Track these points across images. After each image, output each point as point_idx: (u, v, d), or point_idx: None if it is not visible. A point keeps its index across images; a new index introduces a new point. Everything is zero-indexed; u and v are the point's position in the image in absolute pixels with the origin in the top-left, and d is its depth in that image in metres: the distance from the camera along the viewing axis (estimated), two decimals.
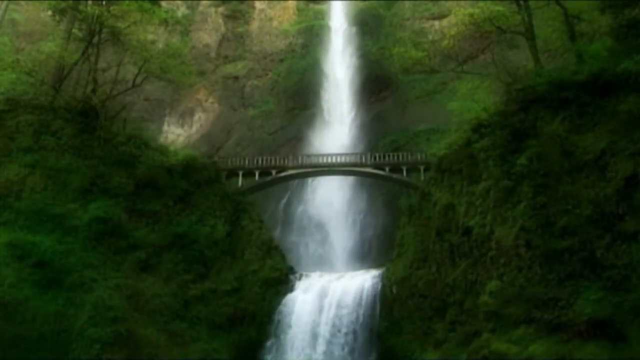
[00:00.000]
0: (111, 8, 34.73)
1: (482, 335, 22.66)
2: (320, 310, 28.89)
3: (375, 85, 54.23)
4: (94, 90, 34.87)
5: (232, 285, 30.67)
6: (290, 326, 28.78)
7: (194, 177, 34.02)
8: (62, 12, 38.90)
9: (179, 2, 63.09)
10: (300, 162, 39.59)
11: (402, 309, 28.16)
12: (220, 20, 63.61)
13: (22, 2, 49.11)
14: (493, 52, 31.49)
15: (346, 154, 40.37)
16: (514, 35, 31.47)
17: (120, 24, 34.70)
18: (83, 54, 35.54)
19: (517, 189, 24.27)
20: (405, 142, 46.53)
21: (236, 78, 59.84)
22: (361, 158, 39.37)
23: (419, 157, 37.29)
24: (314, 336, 28.05)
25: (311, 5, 64.15)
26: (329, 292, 29.83)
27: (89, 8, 34.86)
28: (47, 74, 34.11)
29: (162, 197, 32.27)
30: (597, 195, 21.96)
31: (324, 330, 28.10)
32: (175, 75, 37.57)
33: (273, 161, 39.32)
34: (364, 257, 42.47)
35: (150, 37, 38.78)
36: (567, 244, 21.74)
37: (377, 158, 38.80)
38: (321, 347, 27.69)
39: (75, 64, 34.77)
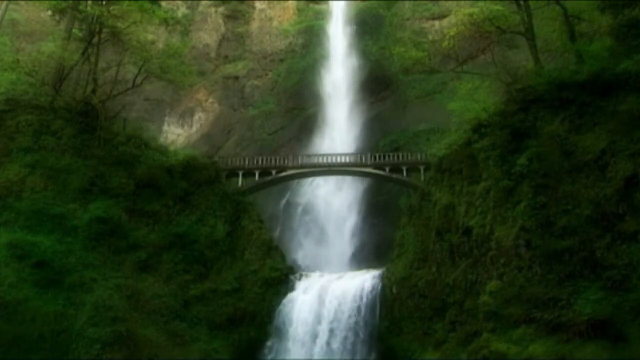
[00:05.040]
0: (111, 8, 34.73)
1: (482, 335, 22.68)
2: (320, 310, 28.88)
3: (375, 85, 54.22)
4: (94, 91, 34.87)
5: (232, 285, 30.66)
6: (290, 326, 28.79)
7: (194, 177, 34.01)
8: (62, 12, 38.93)
9: (179, 2, 63.13)
10: (300, 162, 39.56)
11: (402, 309, 28.17)
12: (220, 20, 63.61)
13: (22, 2, 49.08)
14: (493, 52, 31.47)
15: (346, 154, 40.36)
16: (514, 35, 31.48)
17: (120, 24, 34.68)
18: (83, 54, 35.52)
19: (517, 189, 24.28)
20: (405, 142, 46.51)
21: (236, 78, 59.85)
22: (361, 158, 39.34)
23: (419, 157, 37.26)
24: (314, 336, 28.05)
25: (311, 5, 64.13)
26: (328, 292, 29.82)
27: (89, 8, 34.87)
28: (47, 74, 34.09)
29: (162, 197, 32.27)
30: (597, 195, 21.97)
31: (324, 330, 28.09)
32: (175, 75, 37.54)
33: (273, 161, 39.28)
34: (363, 257, 42.43)
35: (150, 37, 38.72)
36: (567, 244, 21.76)
37: (377, 158, 38.77)
38: (321, 347, 27.69)
39: (75, 64, 34.76)
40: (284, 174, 38.81)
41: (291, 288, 31.21)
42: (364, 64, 55.02)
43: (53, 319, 24.74)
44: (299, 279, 31.95)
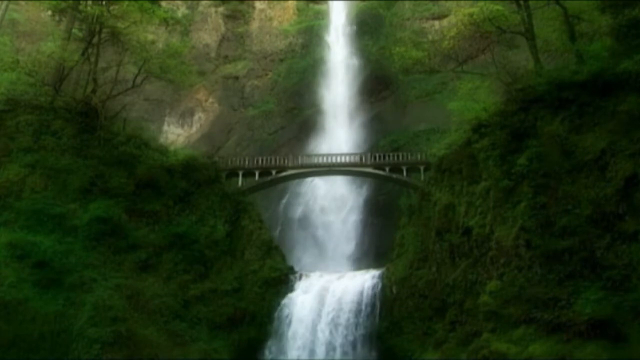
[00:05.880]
0: (111, 8, 34.76)
1: (482, 335, 22.68)
2: (320, 310, 28.87)
3: (375, 85, 54.21)
4: (94, 91, 34.88)
5: (232, 285, 30.64)
6: (290, 326, 28.77)
7: (194, 177, 33.99)
8: (62, 12, 38.99)
9: (179, 2, 63.09)
10: (300, 162, 39.54)
11: (402, 309, 28.15)
12: (220, 20, 63.60)
13: (22, 2, 49.12)
14: (493, 52, 31.49)
15: (346, 154, 40.34)
16: (514, 35, 31.48)
17: (120, 24, 34.70)
18: (83, 54, 35.55)
19: (517, 189, 24.28)
20: (405, 142, 46.50)
21: (236, 78, 59.83)
22: (361, 158, 39.33)
23: (419, 157, 37.24)
24: (314, 336, 28.04)
25: (311, 5, 64.13)
26: (329, 292, 29.82)
27: (89, 8, 34.87)
28: (47, 74, 34.12)
29: (162, 197, 32.25)
30: (597, 195, 21.97)
31: (324, 330, 28.09)
32: (175, 75, 37.52)
33: (273, 161, 39.26)
34: (363, 257, 42.45)
35: (150, 37, 38.73)
36: (567, 244, 21.76)
37: (377, 158, 38.77)
38: (321, 347, 27.69)
39: (76, 64, 34.75)
40: (284, 174, 38.80)
41: (291, 288, 31.18)
42: (364, 64, 55.02)
43: (53, 319, 24.72)
44: (299, 279, 31.91)
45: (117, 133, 34.06)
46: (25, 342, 23.82)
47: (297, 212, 47.74)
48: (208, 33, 62.55)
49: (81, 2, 36.17)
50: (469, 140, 28.24)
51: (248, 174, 38.19)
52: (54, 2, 38.51)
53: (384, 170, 38.00)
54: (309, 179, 45.80)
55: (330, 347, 27.64)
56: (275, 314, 29.58)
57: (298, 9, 63.88)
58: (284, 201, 48.40)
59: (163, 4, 47.50)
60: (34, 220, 28.16)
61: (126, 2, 34.26)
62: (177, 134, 56.36)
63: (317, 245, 45.59)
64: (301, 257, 43.32)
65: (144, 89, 44.62)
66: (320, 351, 27.58)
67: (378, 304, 28.90)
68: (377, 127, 50.49)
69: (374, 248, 42.30)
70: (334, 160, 39.25)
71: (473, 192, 26.81)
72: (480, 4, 31.22)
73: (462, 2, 39.75)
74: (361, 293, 29.43)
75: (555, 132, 24.52)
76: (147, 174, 32.26)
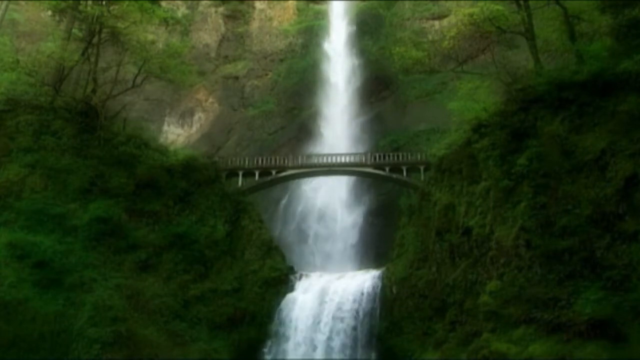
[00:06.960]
0: (111, 8, 34.76)
1: (482, 335, 22.68)
2: (320, 310, 28.88)
3: (375, 85, 54.19)
4: (94, 90, 34.89)
5: (232, 285, 30.66)
6: (290, 326, 28.78)
7: (194, 177, 34.00)
8: (62, 12, 38.96)
9: (179, 2, 63.08)
10: (300, 162, 39.53)
11: (402, 309, 28.16)
12: (220, 20, 63.61)
13: (22, 2, 49.14)
14: (493, 52, 31.50)
15: (346, 154, 40.31)
16: (514, 35, 31.49)
17: (120, 24, 34.70)
18: (83, 54, 35.55)
19: (517, 189, 24.29)
20: (405, 142, 46.51)
21: (236, 78, 59.83)
22: (361, 158, 39.31)
23: (419, 157, 37.22)
24: (314, 336, 28.05)
25: (311, 5, 64.12)
26: (329, 292, 29.83)
27: (89, 8, 34.88)
28: (47, 74, 34.12)
29: (162, 197, 32.26)
30: (597, 195, 21.97)
31: (324, 330, 28.10)
32: (175, 75, 37.51)
33: (273, 161, 39.25)
34: (364, 257, 42.43)
35: (150, 37, 38.70)
36: (567, 244, 21.76)
37: (377, 158, 38.76)
38: (321, 347, 27.69)
39: (75, 64, 34.74)
40: (284, 174, 38.78)
41: (291, 288, 31.22)
42: (364, 64, 54.96)
43: (53, 319, 24.73)
44: (299, 279, 31.95)
45: (117, 133, 34.07)
46: (25, 342, 23.83)
47: (298, 211, 47.65)
48: (208, 33, 62.56)
49: (81, 2, 36.16)
50: (469, 140, 28.25)
51: (248, 174, 38.18)
52: (54, 2, 38.50)
53: (384, 170, 37.98)
54: (310, 179, 45.74)
55: (330, 347, 27.65)
56: (275, 314, 29.59)
57: (298, 9, 63.87)
58: (284, 201, 48.39)
59: (163, 4, 47.45)
60: (34, 220, 28.16)
61: (126, 2, 34.24)
62: (177, 134, 56.35)
63: (316, 245, 45.56)
64: (301, 257, 43.21)
65: (144, 89, 44.61)
66: (320, 351, 27.58)
67: (378, 304, 28.92)
68: (377, 127, 50.47)
69: (374, 248, 42.27)
70: (333, 160, 39.23)
71: (473, 192, 26.82)
72: (480, 4, 31.20)
73: (462, 2, 39.76)
74: (361, 293, 29.43)
75: (555, 132, 24.52)
76: (147, 174, 32.27)
